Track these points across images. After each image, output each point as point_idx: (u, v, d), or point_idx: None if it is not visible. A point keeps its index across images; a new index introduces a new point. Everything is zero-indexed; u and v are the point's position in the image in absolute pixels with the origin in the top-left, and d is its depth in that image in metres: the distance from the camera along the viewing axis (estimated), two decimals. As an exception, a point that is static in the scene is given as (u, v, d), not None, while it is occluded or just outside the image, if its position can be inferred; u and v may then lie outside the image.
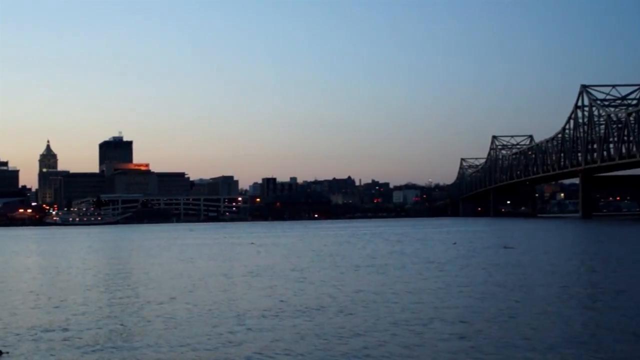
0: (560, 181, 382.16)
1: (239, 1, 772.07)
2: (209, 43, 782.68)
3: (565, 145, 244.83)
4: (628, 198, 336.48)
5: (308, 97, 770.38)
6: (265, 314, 30.38)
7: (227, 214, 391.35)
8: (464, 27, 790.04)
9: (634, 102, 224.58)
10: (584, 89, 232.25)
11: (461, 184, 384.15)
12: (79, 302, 36.22)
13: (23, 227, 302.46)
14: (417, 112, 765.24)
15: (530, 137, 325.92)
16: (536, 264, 54.83)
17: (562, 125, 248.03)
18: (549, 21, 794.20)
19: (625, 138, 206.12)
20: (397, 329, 26.13)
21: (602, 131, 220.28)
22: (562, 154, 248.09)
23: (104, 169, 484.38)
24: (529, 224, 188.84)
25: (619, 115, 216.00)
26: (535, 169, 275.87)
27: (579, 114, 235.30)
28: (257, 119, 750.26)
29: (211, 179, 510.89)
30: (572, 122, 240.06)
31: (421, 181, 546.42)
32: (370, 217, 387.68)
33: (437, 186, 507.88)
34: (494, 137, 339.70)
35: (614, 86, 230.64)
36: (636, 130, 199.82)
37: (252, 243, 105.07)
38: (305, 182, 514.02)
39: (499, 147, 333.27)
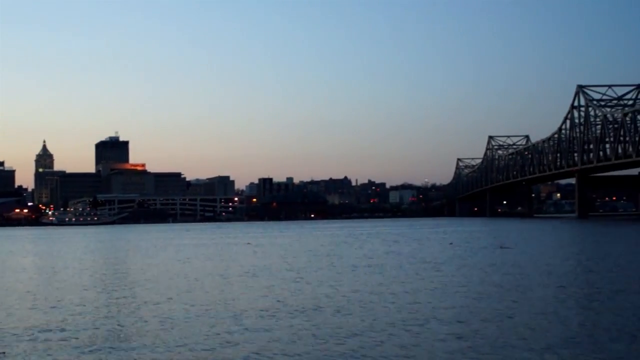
0: (556, 181, 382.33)
1: (237, 1, 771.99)
2: (205, 43, 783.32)
3: (561, 145, 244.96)
4: (624, 198, 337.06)
5: (305, 97, 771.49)
6: (262, 314, 30.40)
7: (224, 214, 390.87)
8: (460, 28, 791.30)
9: (630, 102, 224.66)
10: (580, 89, 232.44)
11: (457, 184, 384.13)
12: (76, 302, 36.21)
13: (19, 227, 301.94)
14: (414, 112, 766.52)
15: (527, 137, 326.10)
16: (533, 264, 54.87)
17: (558, 125, 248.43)
18: (545, 22, 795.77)
19: (622, 138, 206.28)
20: (394, 329, 26.15)
21: (599, 131, 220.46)
22: (558, 154, 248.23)
23: (100, 169, 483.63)
24: (525, 224, 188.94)
25: (615, 115, 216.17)
26: (531, 169, 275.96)
27: (575, 114, 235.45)
28: (253, 119, 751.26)
29: (207, 179, 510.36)
30: (568, 122, 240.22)
31: (417, 181, 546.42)
32: (367, 217, 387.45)
33: (434, 186, 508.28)
34: (490, 137, 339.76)
35: (610, 86, 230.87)
36: (632, 131, 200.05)
37: (249, 243, 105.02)
38: (301, 182, 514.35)
39: (496, 147, 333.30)
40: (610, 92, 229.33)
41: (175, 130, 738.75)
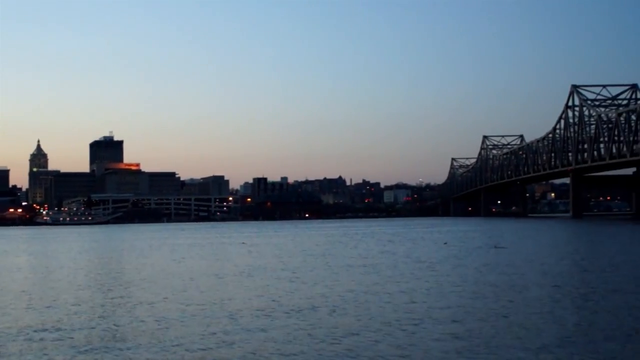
0: (550, 181, 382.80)
1: (234, 1, 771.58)
2: (200, 43, 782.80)
3: (555, 145, 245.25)
4: (618, 198, 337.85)
5: (299, 97, 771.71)
6: (257, 314, 30.42)
7: (218, 213, 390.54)
8: (455, 29, 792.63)
9: (624, 102, 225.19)
10: (575, 89, 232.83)
11: (452, 184, 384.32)
12: (71, 301, 36.17)
13: (13, 227, 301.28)
14: (408, 112, 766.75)
15: (521, 137, 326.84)
16: (528, 263, 54.94)
17: (552, 125, 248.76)
18: (540, 22, 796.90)
19: (616, 138, 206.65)
20: (390, 329, 26.19)
21: (593, 131, 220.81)
22: (552, 154, 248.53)
23: (95, 168, 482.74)
24: (519, 223, 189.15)
25: (610, 115, 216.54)
26: (526, 168, 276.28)
27: (570, 114, 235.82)
28: (247, 119, 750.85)
29: (202, 178, 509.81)
30: (562, 122, 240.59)
31: (412, 181, 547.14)
32: (361, 217, 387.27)
33: (428, 186, 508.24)
34: (485, 137, 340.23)
35: (604, 86, 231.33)
36: (626, 130, 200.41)
37: (244, 243, 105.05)
38: (296, 181, 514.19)
39: (490, 147, 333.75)
40: (604, 92, 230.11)
41: (169, 130, 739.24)
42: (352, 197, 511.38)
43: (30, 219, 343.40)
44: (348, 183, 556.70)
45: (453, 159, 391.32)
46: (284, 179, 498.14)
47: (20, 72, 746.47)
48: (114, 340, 25.13)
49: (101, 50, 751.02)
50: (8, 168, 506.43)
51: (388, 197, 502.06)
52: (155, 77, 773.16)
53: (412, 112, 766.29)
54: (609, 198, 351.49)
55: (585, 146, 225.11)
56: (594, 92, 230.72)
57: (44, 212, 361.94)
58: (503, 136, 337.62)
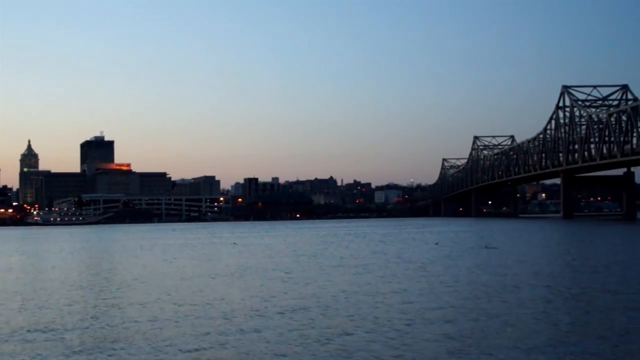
0: (541, 181, 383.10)
1: (230, 1, 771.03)
2: (190, 44, 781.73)
3: (546, 145, 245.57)
4: (609, 198, 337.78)
5: (291, 98, 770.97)
6: (250, 314, 30.45)
7: (209, 214, 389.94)
8: (445, 30, 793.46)
9: (615, 102, 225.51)
10: (565, 89, 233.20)
11: (443, 184, 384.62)
12: (63, 302, 36.13)
13: (4, 227, 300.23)
14: (399, 113, 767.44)
15: (512, 137, 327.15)
16: (519, 264, 55.07)
17: (543, 125, 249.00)
18: (530, 22, 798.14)
19: (606, 138, 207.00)
20: (382, 329, 26.24)
21: (583, 131, 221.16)
22: (543, 154, 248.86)
23: (86, 168, 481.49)
24: (510, 224, 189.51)
25: (600, 115, 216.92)
26: (516, 169, 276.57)
27: (560, 114, 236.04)
28: (239, 119, 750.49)
29: (193, 179, 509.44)
30: (553, 122, 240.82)
31: (403, 181, 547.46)
32: (352, 218, 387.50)
33: (419, 186, 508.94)
34: (476, 138, 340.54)
35: (595, 87, 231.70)
36: (617, 131, 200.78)
37: (235, 243, 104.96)
38: (287, 182, 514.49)
39: (481, 147, 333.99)
40: (595, 93, 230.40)
41: (160, 131, 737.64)
42: (343, 198, 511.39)
43: (20, 219, 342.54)
44: (339, 183, 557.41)
45: (444, 160, 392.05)
46: (275, 179, 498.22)
47: (10, 72, 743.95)
48: (107, 341, 25.12)
49: (92, 51, 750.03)
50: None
51: (379, 197, 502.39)
52: (146, 78, 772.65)
53: (403, 113, 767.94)
54: (599, 198, 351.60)
55: (576, 147, 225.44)
56: (584, 93, 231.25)
57: (35, 212, 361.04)
58: (494, 136, 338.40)
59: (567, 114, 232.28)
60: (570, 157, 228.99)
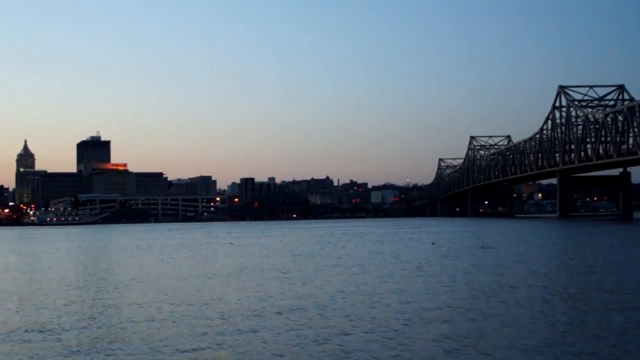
0: (538, 181, 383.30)
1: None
2: (187, 44, 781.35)
3: (543, 145, 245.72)
4: (605, 198, 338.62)
5: (287, 99, 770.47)
6: (247, 314, 30.44)
7: (205, 214, 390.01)
8: (441, 30, 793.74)
9: (611, 102, 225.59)
10: (562, 89, 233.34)
11: (439, 184, 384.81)
12: (61, 302, 36.11)
13: (0, 227, 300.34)
14: (395, 113, 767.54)
15: (508, 137, 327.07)
16: (516, 264, 55.11)
17: (539, 125, 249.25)
18: (527, 22, 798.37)
19: (603, 138, 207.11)
20: (380, 329, 26.25)
21: (580, 132, 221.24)
22: (539, 155, 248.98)
23: (82, 168, 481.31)
24: (507, 224, 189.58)
25: (597, 115, 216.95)
26: (513, 169, 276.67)
27: (557, 114, 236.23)
28: (235, 119, 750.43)
29: (189, 179, 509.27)
30: (549, 122, 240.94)
31: (399, 181, 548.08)
32: (349, 218, 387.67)
33: (415, 186, 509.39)
34: (472, 138, 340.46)
35: (591, 87, 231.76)
36: (613, 131, 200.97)
37: (231, 243, 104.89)
38: (283, 182, 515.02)
39: (477, 147, 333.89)
40: (591, 93, 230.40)
41: (156, 130, 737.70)
42: (339, 198, 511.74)
43: (17, 219, 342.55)
44: (335, 183, 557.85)
45: (440, 160, 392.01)
46: (272, 179, 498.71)
47: (6, 72, 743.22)
48: (104, 341, 25.10)
49: (89, 51, 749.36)
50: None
51: (375, 197, 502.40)
52: (143, 78, 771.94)
53: (400, 113, 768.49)
54: (595, 198, 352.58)
55: (572, 147, 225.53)
56: (581, 93, 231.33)
57: (31, 213, 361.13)
58: (490, 137, 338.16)
59: (564, 114, 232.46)
60: (567, 157, 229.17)
